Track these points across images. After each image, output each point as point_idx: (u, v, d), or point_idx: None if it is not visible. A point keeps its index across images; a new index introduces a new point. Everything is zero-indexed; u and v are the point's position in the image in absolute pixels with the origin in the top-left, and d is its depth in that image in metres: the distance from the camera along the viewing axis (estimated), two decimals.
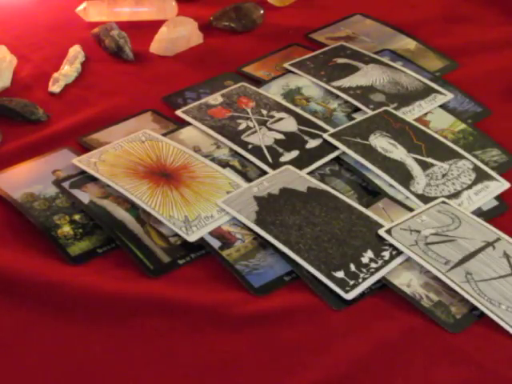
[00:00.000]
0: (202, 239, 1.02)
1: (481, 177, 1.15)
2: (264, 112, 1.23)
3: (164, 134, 1.18)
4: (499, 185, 1.14)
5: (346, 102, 1.28)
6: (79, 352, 0.90)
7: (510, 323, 0.94)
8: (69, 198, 1.07)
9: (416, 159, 1.16)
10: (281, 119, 1.22)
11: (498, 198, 1.13)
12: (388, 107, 1.25)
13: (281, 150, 1.16)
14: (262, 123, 1.21)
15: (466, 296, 0.96)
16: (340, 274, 0.98)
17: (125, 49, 1.37)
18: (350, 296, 0.96)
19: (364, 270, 0.99)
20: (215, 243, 1.02)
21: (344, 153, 1.16)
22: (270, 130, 1.20)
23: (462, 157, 1.17)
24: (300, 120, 1.22)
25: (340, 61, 1.37)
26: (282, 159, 1.15)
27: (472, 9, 1.56)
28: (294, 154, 1.16)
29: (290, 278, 0.99)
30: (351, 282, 0.97)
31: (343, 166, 1.16)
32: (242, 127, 1.20)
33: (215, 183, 1.10)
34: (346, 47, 1.41)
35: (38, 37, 1.42)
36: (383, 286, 0.99)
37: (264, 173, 1.13)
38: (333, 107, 1.27)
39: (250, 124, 1.21)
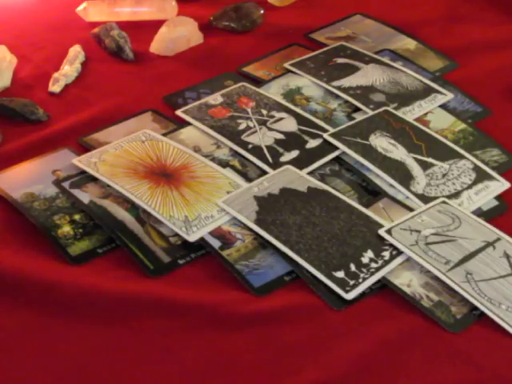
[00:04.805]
0: (202, 239, 1.02)
1: (481, 177, 1.14)
2: (264, 112, 1.23)
3: (164, 134, 1.18)
4: (499, 185, 1.14)
5: (346, 101, 1.28)
6: (79, 352, 0.90)
7: (510, 323, 0.94)
8: (69, 197, 1.07)
9: (416, 159, 1.16)
10: (281, 119, 1.22)
11: (498, 197, 1.13)
12: (388, 107, 1.25)
13: (281, 150, 1.16)
14: (262, 123, 1.21)
15: (466, 296, 0.96)
16: (340, 274, 0.98)
17: (125, 49, 1.37)
18: (350, 296, 0.96)
19: (364, 270, 0.99)
20: (215, 243, 1.02)
21: (344, 153, 1.16)
22: (270, 129, 1.20)
23: (462, 157, 1.17)
24: (300, 120, 1.22)
25: (340, 61, 1.37)
26: (282, 159, 1.15)
27: (472, 9, 1.56)
28: (294, 153, 1.16)
29: (290, 278, 0.99)
30: (351, 282, 0.97)
31: (343, 166, 1.16)
32: (242, 127, 1.20)
33: (215, 183, 1.10)
34: (346, 47, 1.41)
35: (39, 37, 1.42)
36: (383, 285, 0.99)
37: (264, 173, 1.13)
38: (333, 107, 1.27)
39: (250, 124, 1.21)
